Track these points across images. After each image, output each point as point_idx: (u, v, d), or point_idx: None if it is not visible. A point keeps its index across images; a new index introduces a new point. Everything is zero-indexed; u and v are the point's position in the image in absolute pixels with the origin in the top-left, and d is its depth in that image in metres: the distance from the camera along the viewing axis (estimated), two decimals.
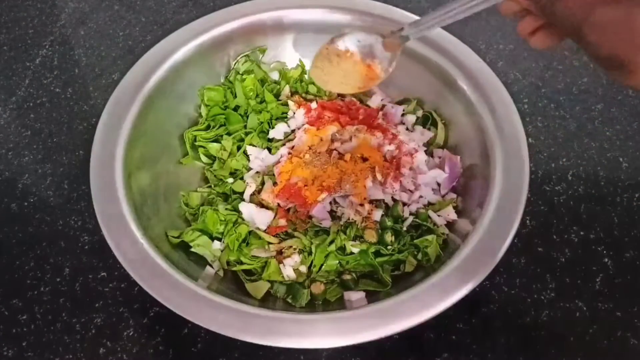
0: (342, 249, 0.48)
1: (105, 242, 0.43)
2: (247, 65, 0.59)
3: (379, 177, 0.51)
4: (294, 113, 0.58)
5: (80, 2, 0.77)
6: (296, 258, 0.48)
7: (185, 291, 0.41)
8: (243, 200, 0.52)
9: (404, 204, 0.51)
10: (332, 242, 0.48)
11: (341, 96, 0.61)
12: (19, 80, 0.68)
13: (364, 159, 0.53)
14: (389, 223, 0.49)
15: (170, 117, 0.56)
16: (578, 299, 0.50)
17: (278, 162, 0.54)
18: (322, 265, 0.48)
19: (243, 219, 0.50)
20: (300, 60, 0.62)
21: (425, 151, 0.55)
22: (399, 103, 0.59)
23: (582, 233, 0.54)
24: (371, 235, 0.49)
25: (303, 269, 0.48)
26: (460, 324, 0.48)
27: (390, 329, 0.39)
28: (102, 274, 0.52)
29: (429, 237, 0.47)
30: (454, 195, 0.52)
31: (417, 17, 0.56)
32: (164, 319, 0.49)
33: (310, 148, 0.54)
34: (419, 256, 0.48)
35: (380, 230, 0.49)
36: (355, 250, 0.48)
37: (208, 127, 0.57)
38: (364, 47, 0.45)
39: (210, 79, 0.59)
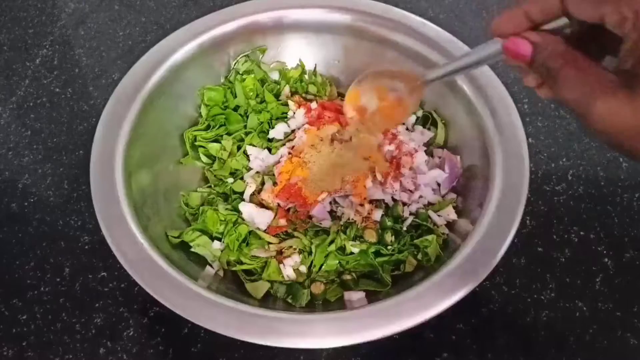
0: (342, 249, 0.48)
1: (105, 242, 0.43)
2: (247, 65, 0.59)
3: (379, 177, 0.51)
4: (294, 113, 0.58)
5: (80, 2, 0.77)
6: (296, 258, 0.48)
7: (185, 291, 0.41)
8: (243, 200, 0.52)
9: (404, 204, 0.51)
10: (332, 242, 0.48)
11: (341, 96, 0.61)
12: (19, 80, 0.68)
13: (364, 159, 0.53)
14: (389, 223, 0.49)
15: (170, 117, 0.56)
16: (578, 299, 0.50)
17: (278, 162, 0.54)
18: (322, 265, 0.48)
19: (243, 219, 0.50)
20: (300, 60, 0.62)
21: (425, 151, 0.55)
22: None
23: (582, 233, 0.54)
24: (371, 235, 0.48)
25: (303, 269, 0.48)
26: (460, 324, 0.48)
27: (390, 329, 0.39)
28: (102, 274, 0.52)
29: (429, 237, 0.47)
30: (454, 195, 0.52)
31: (415, 17, 0.56)
32: (164, 319, 0.49)
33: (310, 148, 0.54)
34: (419, 256, 0.48)
35: (380, 230, 0.49)
36: (355, 250, 0.48)
37: (208, 127, 0.57)
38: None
39: (210, 79, 0.59)
